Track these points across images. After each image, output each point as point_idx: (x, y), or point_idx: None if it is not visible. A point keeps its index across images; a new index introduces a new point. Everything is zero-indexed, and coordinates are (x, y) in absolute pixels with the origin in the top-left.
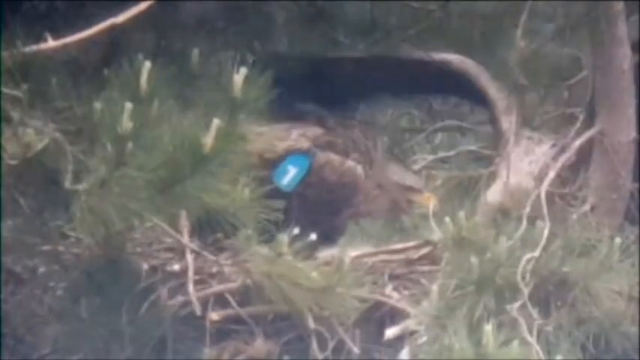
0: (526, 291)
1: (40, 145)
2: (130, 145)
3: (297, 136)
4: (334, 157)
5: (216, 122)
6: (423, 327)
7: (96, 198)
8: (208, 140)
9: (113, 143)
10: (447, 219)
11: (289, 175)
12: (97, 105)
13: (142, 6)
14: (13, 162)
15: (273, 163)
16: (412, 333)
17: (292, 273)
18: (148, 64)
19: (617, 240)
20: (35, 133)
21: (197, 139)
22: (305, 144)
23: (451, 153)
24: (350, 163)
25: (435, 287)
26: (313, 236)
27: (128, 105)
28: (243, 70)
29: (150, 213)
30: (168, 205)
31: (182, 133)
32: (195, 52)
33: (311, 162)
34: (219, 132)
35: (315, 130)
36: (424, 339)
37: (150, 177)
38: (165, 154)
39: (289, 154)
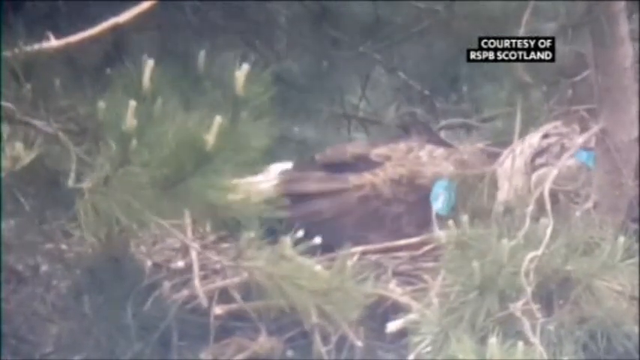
0: (529, 290)
1: (27, 159)
2: (134, 142)
3: (439, 159)
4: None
5: (217, 120)
6: (427, 338)
7: (99, 195)
8: (210, 138)
9: (117, 141)
10: (451, 222)
11: (440, 199)
12: (101, 104)
13: (145, 5)
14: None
15: (425, 189)
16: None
17: (295, 274)
18: (150, 62)
19: (621, 239)
20: (24, 147)
21: (199, 136)
22: (449, 169)
23: None
24: None
25: (435, 298)
26: (317, 239)
27: (132, 102)
28: (245, 67)
29: (153, 210)
30: (172, 203)
31: (185, 131)
32: (202, 54)
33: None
34: (221, 129)
35: (439, 150)
36: (428, 349)
37: (153, 174)
38: (169, 152)
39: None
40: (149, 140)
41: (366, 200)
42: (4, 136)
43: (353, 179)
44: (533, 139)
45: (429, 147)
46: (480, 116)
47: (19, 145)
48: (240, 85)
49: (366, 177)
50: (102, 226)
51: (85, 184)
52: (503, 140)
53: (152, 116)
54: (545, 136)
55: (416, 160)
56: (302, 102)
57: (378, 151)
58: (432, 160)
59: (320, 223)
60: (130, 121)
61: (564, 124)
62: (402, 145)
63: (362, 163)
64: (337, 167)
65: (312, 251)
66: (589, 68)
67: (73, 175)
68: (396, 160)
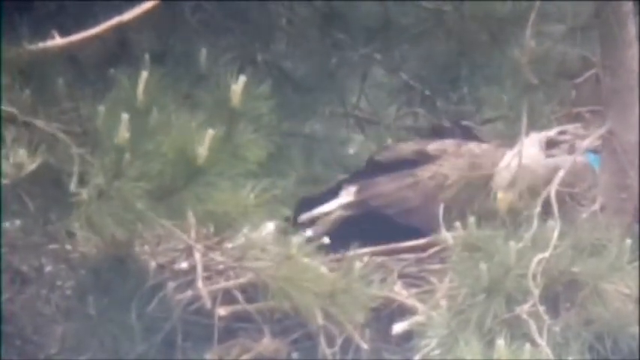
0: (537, 292)
1: (32, 166)
2: (127, 155)
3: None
4: None
5: (210, 133)
6: (435, 340)
7: (95, 208)
8: (202, 151)
9: (111, 153)
10: (458, 223)
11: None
12: (101, 108)
13: (148, 5)
14: (5, 181)
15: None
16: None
17: (300, 276)
18: (145, 74)
19: (628, 241)
20: (27, 154)
21: (192, 149)
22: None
23: None
24: None
25: (443, 300)
26: (326, 239)
27: (125, 116)
28: (242, 79)
29: (148, 222)
30: (167, 215)
31: (178, 144)
32: (203, 53)
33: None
34: (215, 142)
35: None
36: (436, 351)
37: (147, 187)
38: (162, 165)
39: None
40: (142, 153)
41: (442, 188)
42: (8, 140)
43: (419, 172)
44: (551, 132)
45: (472, 143)
46: (480, 117)
47: (22, 152)
48: (237, 98)
49: (431, 168)
50: (97, 238)
51: (83, 195)
52: (502, 141)
53: (146, 129)
54: (563, 132)
55: (470, 152)
56: (305, 101)
57: (433, 146)
58: (484, 152)
59: (411, 210)
60: (123, 135)
61: (583, 127)
62: (451, 141)
63: (423, 157)
64: (401, 164)
65: (319, 252)
66: (593, 69)
67: (75, 178)
68: (451, 153)
